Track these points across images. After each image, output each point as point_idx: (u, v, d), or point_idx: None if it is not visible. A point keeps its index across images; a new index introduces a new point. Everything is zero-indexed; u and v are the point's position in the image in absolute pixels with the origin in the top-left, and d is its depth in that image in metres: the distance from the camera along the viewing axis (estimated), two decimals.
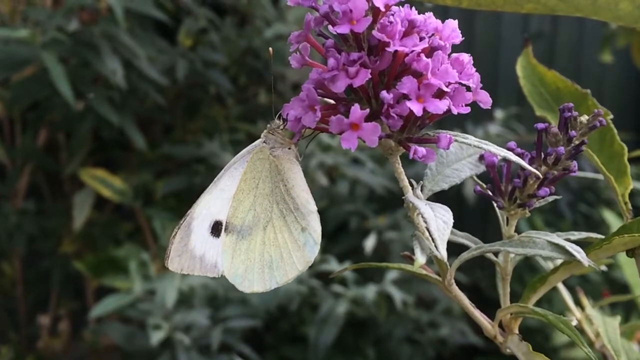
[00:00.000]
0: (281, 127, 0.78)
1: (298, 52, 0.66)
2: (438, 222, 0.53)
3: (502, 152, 0.57)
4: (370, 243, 2.69)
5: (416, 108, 0.56)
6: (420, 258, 0.54)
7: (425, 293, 2.87)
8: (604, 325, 0.82)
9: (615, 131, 0.73)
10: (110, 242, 2.69)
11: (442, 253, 0.52)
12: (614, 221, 2.05)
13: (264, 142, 0.79)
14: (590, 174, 0.85)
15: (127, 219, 2.81)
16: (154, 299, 2.30)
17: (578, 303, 0.99)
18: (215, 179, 0.80)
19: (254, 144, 0.80)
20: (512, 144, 0.65)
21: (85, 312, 2.70)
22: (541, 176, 0.61)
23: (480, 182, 0.71)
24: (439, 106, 0.56)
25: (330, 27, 0.63)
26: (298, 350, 2.72)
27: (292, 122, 0.65)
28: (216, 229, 0.79)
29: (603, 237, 0.67)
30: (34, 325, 2.75)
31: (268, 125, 0.79)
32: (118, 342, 2.46)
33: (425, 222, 0.53)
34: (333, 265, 2.48)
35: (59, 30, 2.24)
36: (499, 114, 3.14)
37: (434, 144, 0.59)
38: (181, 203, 2.71)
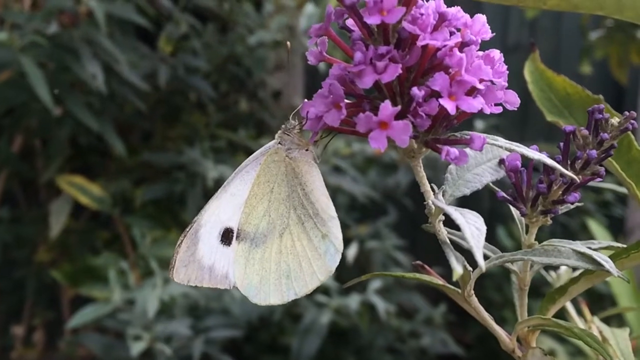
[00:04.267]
0: (297, 127, 0.74)
1: (316, 47, 0.62)
2: (471, 228, 0.51)
3: (537, 155, 0.55)
4: (351, 252, 2.68)
5: (449, 106, 0.53)
6: (458, 268, 0.51)
7: (406, 302, 2.86)
8: (614, 337, 0.80)
9: (633, 137, 0.72)
10: (87, 251, 2.63)
11: (480, 262, 0.48)
12: (597, 230, 2.05)
13: (279, 143, 0.74)
14: (610, 185, 0.84)
15: (105, 227, 2.76)
16: (133, 308, 2.25)
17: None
18: (225, 183, 0.76)
19: (267, 145, 0.75)
20: (535, 147, 0.63)
21: (61, 322, 2.63)
22: (578, 180, 0.60)
23: (495, 188, 0.69)
24: (473, 104, 0.53)
25: (349, 21, 0.60)
26: None
27: (312, 121, 0.60)
28: (227, 236, 0.75)
29: (624, 246, 0.65)
30: (8, 335, 2.67)
31: (282, 126, 0.75)
32: (96, 353, 2.40)
33: (460, 228, 0.51)
34: None
35: (38, 34, 2.19)
36: (479, 124, 3.16)
37: (466, 145, 0.56)
38: (161, 211, 2.66)
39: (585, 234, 3.09)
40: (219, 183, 2.52)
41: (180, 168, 2.64)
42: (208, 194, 2.59)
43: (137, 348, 2.12)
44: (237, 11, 2.73)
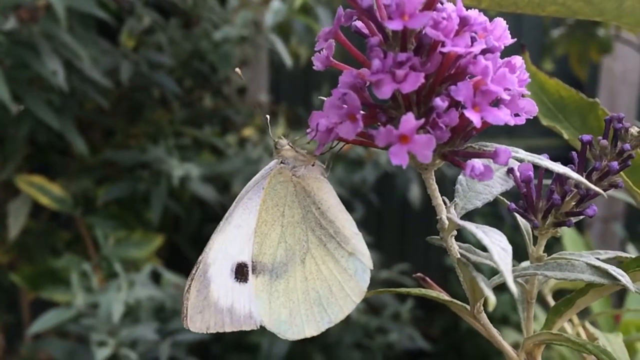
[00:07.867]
0: (296, 139, 0.69)
1: (322, 51, 0.57)
2: (497, 249, 0.48)
3: (562, 169, 0.53)
4: None
5: (475, 118, 0.49)
6: (491, 296, 0.48)
7: (374, 298, 2.86)
8: (610, 344, 0.79)
9: None
10: (47, 252, 2.55)
11: (512, 287, 0.45)
12: (567, 231, 2.07)
13: (282, 162, 0.68)
14: (620, 195, 0.83)
15: (66, 228, 2.67)
16: (97, 312, 2.18)
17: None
18: (226, 215, 0.69)
19: (267, 166, 0.69)
20: (546, 156, 0.61)
21: (21, 325, 2.55)
22: (605, 194, 0.58)
23: (502, 199, 0.68)
24: (499, 116, 0.50)
25: (358, 23, 0.56)
26: None
27: (323, 133, 0.55)
28: (241, 272, 0.68)
29: (632, 256, 0.64)
30: None
31: (276, 146, 0.69)
32: (58, 359, 2.32)
33: (487, 249, 0.48)
34: None
35: None
36: None
37: (489, 158, 0.52)
38: (124, 210, 2.60)
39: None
40: (184, 181, 2.47)
41: (143, 166, 2.57)
42: (173, 192, 2.54)
43: (101, 354, 2.05)
44: (201, 5, 2.67)
